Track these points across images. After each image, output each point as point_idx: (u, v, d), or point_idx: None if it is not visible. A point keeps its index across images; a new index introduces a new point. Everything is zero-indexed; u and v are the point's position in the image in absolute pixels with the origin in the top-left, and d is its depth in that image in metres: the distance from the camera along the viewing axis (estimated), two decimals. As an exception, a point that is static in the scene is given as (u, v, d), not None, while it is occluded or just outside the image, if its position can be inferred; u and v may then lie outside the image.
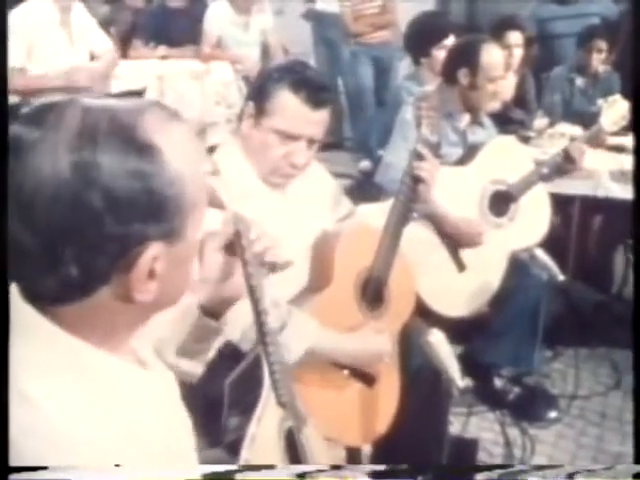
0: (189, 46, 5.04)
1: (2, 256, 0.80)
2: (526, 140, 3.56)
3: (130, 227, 0.78)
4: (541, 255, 2.68)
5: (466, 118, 2.92)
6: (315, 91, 1.84)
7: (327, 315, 1.90)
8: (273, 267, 1.25)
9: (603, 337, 3.36)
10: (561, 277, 2.62)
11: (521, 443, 2.77)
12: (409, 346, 2.10)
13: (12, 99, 3.21)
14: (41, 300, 0.82)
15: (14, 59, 3.51)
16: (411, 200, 2.07)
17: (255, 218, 1.23)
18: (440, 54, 3.37)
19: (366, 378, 1.99)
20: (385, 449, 2.10)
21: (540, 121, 3.90)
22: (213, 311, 1.27)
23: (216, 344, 1.30)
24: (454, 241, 2.64)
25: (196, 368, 1.29)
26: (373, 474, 1.24)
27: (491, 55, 2.85)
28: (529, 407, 2.93)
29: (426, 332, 1.91)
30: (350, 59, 5.35)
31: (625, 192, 3.11)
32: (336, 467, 1.48)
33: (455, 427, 2.68)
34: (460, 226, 2.61)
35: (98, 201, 0.76)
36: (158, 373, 0.99)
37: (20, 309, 0.83)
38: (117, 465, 0.81)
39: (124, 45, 5.00)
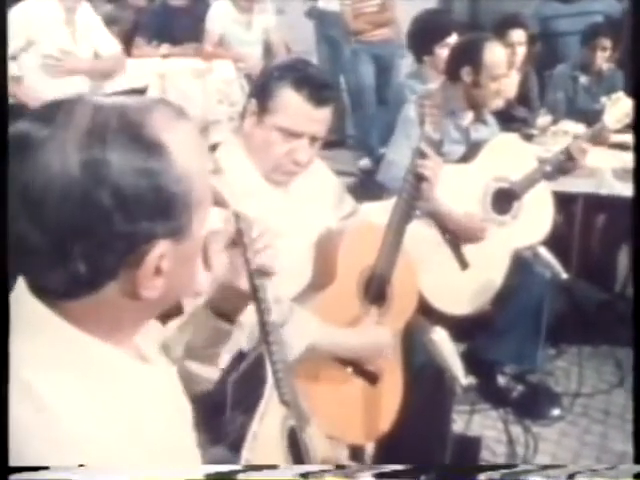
0: (191, 44, 5.04)
1: (2, 255, 0.81)
2: (529, 138, 3.56)
3: (138, 225, 0.79)
4: (544, 253, 2.68)
5: (469, 116, 2.91)
6: (318, 89, 1.83)
7: (330, 313, 1.90)
8: (261, 272, 1.23)
9: (606, 335, 3.36)
10: (564, 275, 2.62)
11: (524, 441, 2.77)
12: (412, 344, 2.10)
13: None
14: (49, 295, 0.83)
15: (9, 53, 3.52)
16: (414, 198, 2.07)
17: (258, 216, 1.23)
18: (443, 52, 3.36)
19: (369, 376, 1.99)
20: (388, 447, 2.10)
21: (543, 119, 3.90)
22: (225, 313, 1.27)
23: (228, 348, 1.29)
24: (457, 237, 2.63)
25: (211, 373, 1.29)
26: (377, 474, 1.24)
27: (494, 53, 2.85)
28: (532, 405, 2.93)
29: (429, 330, 1.91)
30: (351, 57, 5.34)
31: (628, 190, 3.10)
32: (340, 467, 1.48)
33: (458, 425, 2.68)
34: (463, 222, 2.61)
35: (107, 199, 0.77)
36: (161, 369, 0.99)
37: (27, 303, 0.84)
38: (120, 462, 0.81)
39: (126, 44, 4.99)
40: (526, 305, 2.78)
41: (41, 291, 0.83)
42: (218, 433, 1.34)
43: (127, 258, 0.80)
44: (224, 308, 1.26)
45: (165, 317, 1.06)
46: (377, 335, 1.97)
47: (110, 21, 4.92)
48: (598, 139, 2.98)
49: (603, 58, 4.16)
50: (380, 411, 2.01)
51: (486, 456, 2.66)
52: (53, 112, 0.80)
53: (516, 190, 2.77)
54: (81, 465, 0.79)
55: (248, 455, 1.41)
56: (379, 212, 2.11)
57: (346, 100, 5.67)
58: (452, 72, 2.90)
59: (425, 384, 2.12)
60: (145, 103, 0.84)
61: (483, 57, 2.82)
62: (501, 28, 3.87)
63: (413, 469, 1.21)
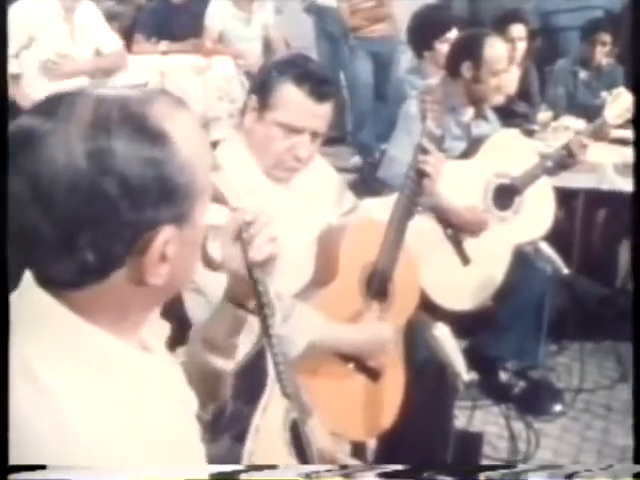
0: (191, 41, 5.03)
1: (2, 252, 0.82)
2: (530, 133, 3.55)
3: (144, 212, 0.80)
4: (545, 248, 2.68)
5: (470, 112, 2.91)
6: (318, 84, 1.83)
7: (332, 309, 1.90)
8: (261, 266, 1.23)
9: (608, 331, 3.35)
10: (565, 271, 2.61)
11: (526, 437, 2.77)
12: (414, 340, 2.10)
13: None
14: (56, 286, 0.84)
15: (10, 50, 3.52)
16: (416, 194, 2.07)
17: (258, 212, 1.23)
18: (443, 47, 3.36)
19: (371, 372, 1.98)
20: (390, 443, 2.10)
21: (544, 114, 3.89)
22: (241, 302, 1.27)
23: (244, 339, 1.29)
24: (459, 232, 2.63)
25: (227, 364, 1.29)
26: (380, 474, 1.24)
27: (495, 48, 2.85)
28: (534, 401, 2.93)
29: (431, 326, 1.91)
30: (348, 54, 5.33)
31: (629, 185, 3.09)
32: (343, 467, 1.49)
33: (460, 421, 2.68)
34: (464, 215, 2.62)
35: (113, 188, 0.78)
36: (165, 361, 1.00)
37: (34, 296, 0.84)
38: (123, 455, 0.82)
39: (126, 40, 4.98)
40: (527, 301, 2.78)
41: (48, 283, 0.84)
42: (221, 426, 1.34)
43: (133, 245, 0.81)
44: (240, 297, 1.27)
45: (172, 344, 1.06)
46: (379, 331, 1.96)
47: (109, 17, 4.91)
48: (599, 134, 2.97)
49: (603, 53, 4.15)
50: (382, 407, 2.01)
51: (488, 452, 2.66)
52: (55, 105, 0.81)
53: (517, 186, 2.76)
54: (84, 458, 0.79)
55: (251, 447, 1.41)
56: (380, 208, 2.11)
57: (346, 96, 5.66)
58: (452, 67, 2.90)
59: (427, 380, 2.12)
60: (146, 94, 0.85)
61: (483, 52, 2.82)
62: (501, 23, 3.86)
63: (414, 468, 1.21)
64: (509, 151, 2.82)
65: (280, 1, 5.79)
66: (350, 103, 5.62)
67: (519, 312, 2.79)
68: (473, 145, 2.82)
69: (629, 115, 2.89)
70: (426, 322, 2.09)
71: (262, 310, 1.25)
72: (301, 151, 1.85)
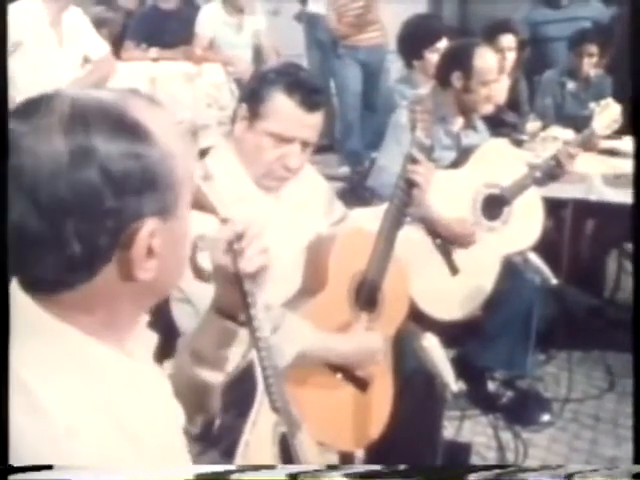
0: (181, 48, 5.02)
1: (2, 255, 0.83)
2: (519, 143, 3.55)
3: (127, 201, 0.82)
4: (534, 259, 2.68)
5: (459, 121, 2.92)
6: (309, 94, 1.83)
7: (321, 319, 1.89)
8: (251, 278, 1.22)
9: (596, 340, 3.36)
10: (554, 281, 2.62)
11: (514, 447, 2.77)
12: (403, 350, 2.10)
13: None
14: (44, 288, 0.85)
15: None
16: (406, 204, 2.06)
17: (248, 222, 1.22)
18: (433, 57, 3.37)
19: (359, 382, 1.98)
20: (378, 454, 2.09)
21: (533, 124, 3.89)
22: (231, 313, 1.26)
23: (235, 351, 1.28)
24: (448, 243, 2.63)
25: (216, 377, 1.27)
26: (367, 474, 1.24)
27: (484, 59, 2.85)
28: (522, 410, 2.92)
29: (420, 336, 1.91)
30: (337, 62, 5.33)
31: (618, 196, 3.11)
32: (332, 467, 1.48)
33: (448, 431, 2.68)
34: (453, 227, 2.62)
35: (95, 177, 0.80)
36: (152, 372, 1.00)
37: (20, 303, 0.85)
38: (112, 460, 0.83)
39: (116, 47, 4.97)
40: (516, 310, 2.78)
41: (36, 286, 0.85)
42: (210, 440, 1.33)
43: (119, 237, 0.83)
44: (228, 308, 1.25)
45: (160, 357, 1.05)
46: (368, 341, 1.96)
47: (99, 24, 4.90)
48: (587, 145, 2.98)
49: (590, 64, 4.17)
50: (370, 417, 2.00)
51: (476, 462, 2.65)
52: (33, 107, 0.83)
53: (506, 196, 2.77)
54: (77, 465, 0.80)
55: (241, 462, 1.40)
56: (369, 218, 2.11)
57: (336, 105, 5.66)
58: (442, 77, 2.90)
59: (416, 390, 2.11)
60: (120, 93, 0.88)
61: (473, 62, 2.82)
62: (491, 33, 3.88)
63: (403, 470, 1.21)
64: (498, 161, 2.83)
65: (272, 7, 5.80)
66: (339, 111, 5.62)
67: (507, 322, 2.79)
68: (462, 155, 2.82)
69: (617, 126, 2.91)
70: (415, 332, 2.09)
71: (251, 322, 1.24)
72: (291, 161, 1.85)
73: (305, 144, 1.86)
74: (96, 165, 0.80)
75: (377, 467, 1.21)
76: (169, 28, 5.05)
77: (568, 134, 3.57)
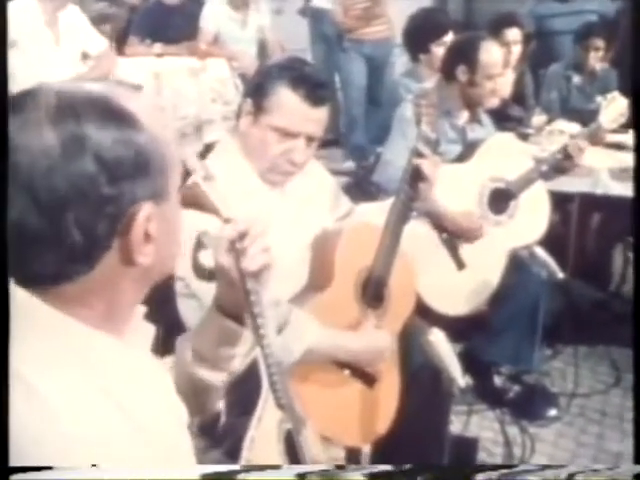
0: (186, 43, 5.01)
1: (2, 254, 0.83)
2: (525, 137, 3.54)
3: (122, 186, 0.84)
4: (540, 253, 2.67)
5: (465, 115, 2.90)
6: (314, 88, 1.82)
7: (328, 314, 1.88)
8: (254, 277, 1.21)
9: (603, 335, 3.35)
10: (560, 275, 2.61)
11: (521, 442, 2.76)
12: (409, 345, 2.09)
13: None
14: (44, 282, 0.85)
15: None
16: (411, 198, 2.05)
17: (251, 220, 1.21)
18: (439, 51, 3.36)
19: (366, 378, 1.97)
20: (385, 449, 2.08)
21: (538, 118, 3.88)
22: (233, 313, 1.25)
23: (240, 351, 1.26)
24: (454, 237, 2.63)
25: (216, 377, 1.26)
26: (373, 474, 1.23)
27: (490, 52, 2.84)
28: (529, 405, 2.92)
29: (426, 331, 1.90)
30: (342, 56, 5.32)
31: (624, 190, 3.10)
32: (340, 467, 1.47)
33: (455, 426, 2.67)
34: (460, 221, 2.61)
35: (90, 166, 0.82)
36: (152, 364, 1.00)
37: (20, 297, 0.85)
38: (115, 458, 0.83)
39: (120, 42, 4.97)
40: (522, 305, 2.78)
41: (36, 280, 0.85)
42: (215, 438, 1.33)
43: (117, 224, 0.85)
44: (230, 306, 1.25)
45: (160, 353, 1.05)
46: (377, 339, 1.95)
47: (102, 19, 4.90)
48: (594, 139, 2.97)
49: (596, 58, 4.15)
50: (377, 413, 2.00)
51: (483, 457, 2.65)
52: (18, 104, 0.84)
53: (512, 190, 2.76)
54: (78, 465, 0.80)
55: (246, 459, 1.40)
56: (375, 212, 2.10)
57: (341, 99, 5.64)
58: (448, 71, 2.89)
59: (422, 385, 2.11)
60: (102, 84, 0.90)
61: (479, 56, 2.81)
62: (497, 27, 3.86)
63: (410, 469, 1.20)
64: (504, 155, 2.81)
65: (277, 3, 5.78)
66: (344, 106, 5.60)
67: (514, 316, 2.78)
68: (468, 149, 2.81)
69: (624, 120, 2.89)
70: (421, 327, 2.08)
71: (255, 321, 1.23)
72: (296, 155, 1.84)
73: (310, 139, 1.85)
74: (90, 153, 0.81)
75: (387, 467, 1.20)
76: (173, 23, 5.03)
77: (574, 128, 3.55)
